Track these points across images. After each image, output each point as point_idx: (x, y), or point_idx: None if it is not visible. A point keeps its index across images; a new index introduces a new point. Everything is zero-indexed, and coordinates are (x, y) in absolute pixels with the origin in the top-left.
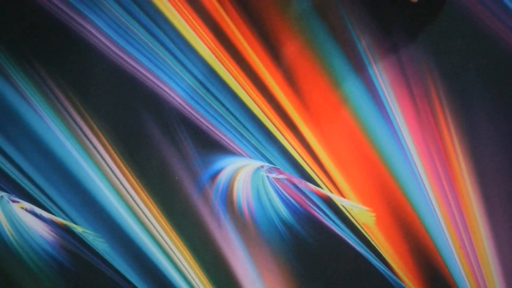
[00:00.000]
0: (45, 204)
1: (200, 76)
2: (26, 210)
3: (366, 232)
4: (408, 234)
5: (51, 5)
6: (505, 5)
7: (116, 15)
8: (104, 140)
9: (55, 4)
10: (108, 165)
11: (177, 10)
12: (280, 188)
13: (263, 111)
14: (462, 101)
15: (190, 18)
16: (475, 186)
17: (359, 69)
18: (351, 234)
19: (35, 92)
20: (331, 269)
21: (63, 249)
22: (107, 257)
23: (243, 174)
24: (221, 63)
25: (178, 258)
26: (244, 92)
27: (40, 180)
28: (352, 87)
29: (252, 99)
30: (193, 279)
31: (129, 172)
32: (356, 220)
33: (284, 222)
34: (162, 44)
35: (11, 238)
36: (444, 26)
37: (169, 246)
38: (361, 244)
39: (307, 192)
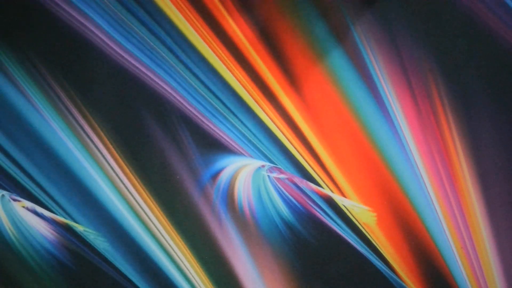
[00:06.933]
0: (46, 203)
1: (201, 75)
2: (27, 209)
3: (367, 232)
4: (409, 234)
5: (52, 4)
6: (506, 4)
7: (117, 14)
8: (106, 139)
9: (57, 3)
10: (109, 164)
11: (178, 9)
12: (281, 187)
13: (264, 111)
14: (463, 101)
15: (192, 17)
16: (476, 186)
17: (361, 68)
18: (352, 234)
19: (37, 91)
20: (332, 268)
21: (64, 248)
22: (108, 256)
23: (244, 174)
24: (222, 62)
25: (179, 257)
26: (246, 92)
27: (41, 179)
28: (354, 87)
29: (254, 99)
30: (194, 278)
31: (130, 171)
32: (357, 220)
33: (285, 221)
34: (164, 43)
35: (12, 237)
36: (445, 26)
37: (170, 245)
38: (362, 244)
39: (308, 192)
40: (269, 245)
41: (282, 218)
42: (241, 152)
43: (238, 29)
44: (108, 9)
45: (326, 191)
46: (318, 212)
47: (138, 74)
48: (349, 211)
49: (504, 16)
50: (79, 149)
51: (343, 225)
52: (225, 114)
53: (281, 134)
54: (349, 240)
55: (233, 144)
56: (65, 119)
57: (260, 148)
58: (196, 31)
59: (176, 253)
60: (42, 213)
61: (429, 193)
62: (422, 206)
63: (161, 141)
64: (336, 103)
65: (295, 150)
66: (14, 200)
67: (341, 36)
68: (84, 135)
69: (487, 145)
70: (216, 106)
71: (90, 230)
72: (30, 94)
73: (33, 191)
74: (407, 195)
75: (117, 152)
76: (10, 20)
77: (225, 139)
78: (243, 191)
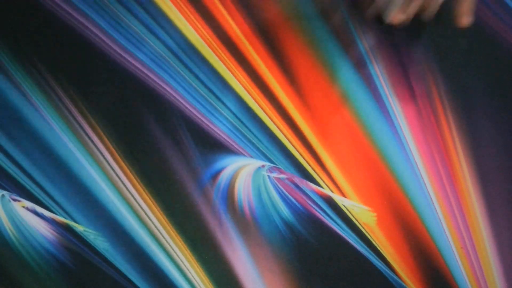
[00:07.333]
0: (46, 203)
1: (201, 76)
2: (27, 209)
3: (367, 232)
4: (409, 234)
5: (52, 4)
6: (506, 4)
7: (117, 14)
8: (105, 139)
9: (57, 2)
10: (109, 164)
11: (179, 9)
12: (281, 187)
13: (264, 111)
14: (463, 101)
15: (192, 17)
16: (477, 186)
17: (361, 68)
18: (352, 234)
19: (37, 91)
20: (332, 269)
21: (64, 248)
22: (108, 256)
23: (244, 174)
24: (223, 62)
25: (179, 257)
26: (246, 92)
27: (41, 179)
28: (354, 86)
29: (254, 99)
30: (194, 278)
31: (130, 171)
32: (357, 220)
33: (285, 221)
34: (164, 43)
35: (12, 237)
36: (445, 26)
37: (170, 245)
38: (362, 244)
39: (308, 192)
40: (269, 245)
41: (282, 218)
42: (241, 152)
43: (238, 29)
44: (108, 9)
45: (326, 191)
46: (318, 212)
47: (138, 74)
48: (349, 211)
49: (504, 16)
50: (79, 149)
51: (343, 225)
52: (225, 114)
53: (281, 134)
54: (349, 240)
55: (233, 144)
56: (65, 119)
57: (260, 148)
58: (196, 31)
59: (176, 253)
60: (42, 213)
61: (429, 193)
62: (422, 206)
63: (161, 141)
64: (336, 103)
65: (295, 150)
66: (14, 200)
67: (341, 36)
68: (84, 135)
69: (487, 145)
70: (216, 106)
71: (90, 230)
72: (30, 94)
73: (33, 191)
74: (407, 195)
75: (117, 152)
76: (10, 20)
77: (225, 139)
78: (243, 191)
